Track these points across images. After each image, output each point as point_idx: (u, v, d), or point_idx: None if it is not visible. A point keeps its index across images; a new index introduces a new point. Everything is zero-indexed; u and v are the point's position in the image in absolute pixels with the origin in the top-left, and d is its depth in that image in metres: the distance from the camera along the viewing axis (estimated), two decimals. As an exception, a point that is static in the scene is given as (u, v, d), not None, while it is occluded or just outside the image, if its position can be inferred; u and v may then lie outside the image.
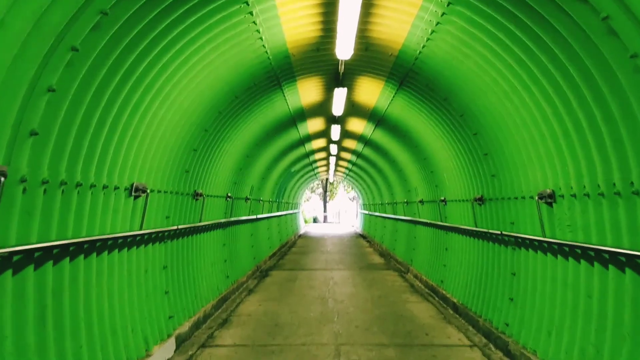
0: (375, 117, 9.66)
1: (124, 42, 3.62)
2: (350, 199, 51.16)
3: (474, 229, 6.76)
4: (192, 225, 6.48)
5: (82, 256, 3.79)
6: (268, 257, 13.55)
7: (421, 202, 10.67)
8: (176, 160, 5.72)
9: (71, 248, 3.65)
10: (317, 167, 21.88)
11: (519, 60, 4.22)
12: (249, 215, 11.27)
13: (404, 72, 6.36)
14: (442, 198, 8.69)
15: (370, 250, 17.04)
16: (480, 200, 6.57)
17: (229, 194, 8.82)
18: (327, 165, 21.50)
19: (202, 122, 5.96)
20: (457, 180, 7.65)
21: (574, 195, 4.14)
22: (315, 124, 11.24)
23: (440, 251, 8.89)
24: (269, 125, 9.15)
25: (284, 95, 7.68)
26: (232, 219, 9.15)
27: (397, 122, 8.99)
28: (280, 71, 6.43)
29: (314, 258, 14.11)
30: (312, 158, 17.69)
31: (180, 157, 5.83)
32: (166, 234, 5.72)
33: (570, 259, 4.28)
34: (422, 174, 10.01)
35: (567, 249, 4.34)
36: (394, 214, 15.49)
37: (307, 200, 50.16)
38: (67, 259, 3.59)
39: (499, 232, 5.74)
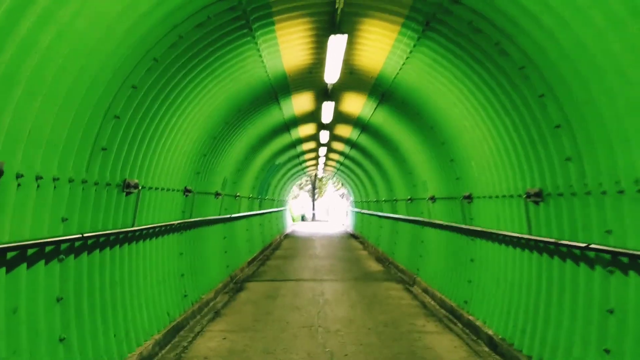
0: (379, 89, 7.60)
1: None
2: (340, 196, 49.20)
3: (526, 236, 4.76)
4: (117, 230, 4.37)
5: None
6: (246, 264, 11.47)
7: (432, 199, 8.67)
8: (79, 127, 3.59)
9: None
10: (305, 160, 19.82)
11: None
12: (220, 214, 9.17)
13: None
14: (467, 194, 6.69)
15: (365, 253, 15.04)
16: (538, 196, 4.57)
17: (189, 187, 6.71)
18: (317, 157, 19.42)
19: (124, 71, 3.84)
20: (494, 170, 5.64)
21: None
22: (302, 102, 9.15)
23: (463, 262, 6.89)
24: (240, 97, 7.04)
25: (258, 48, 5.56)
26: (194, 219, 7.04)
27: (409, 95, 6.95)
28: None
29: (300, 264, 12.05)
30: (299, 149, 15.61)
31: (88, 125, 3.70)
32: (62, 246, 3.61)
33: None
34: (436, 164, 7.99)
35: None
36: (393, 213, 13.50)
37: (295, 197, 48.09)
38: None
39: (582, 245, 3.73)
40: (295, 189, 47.46)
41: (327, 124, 11.28)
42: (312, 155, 18.57)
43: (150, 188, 5.19)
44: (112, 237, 4.42)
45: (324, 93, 8.15)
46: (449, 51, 4.79)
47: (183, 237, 6.74)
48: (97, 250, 4.18)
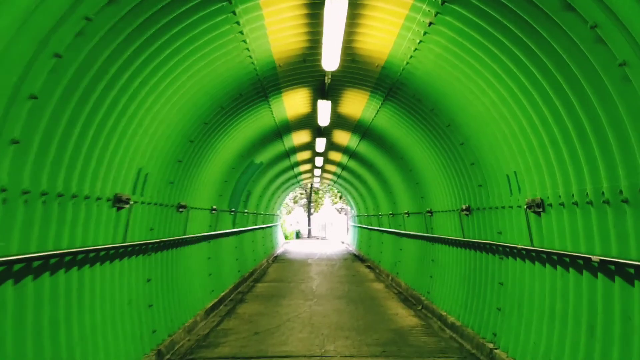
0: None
1: None
2: (337, 210, 44.93)
3: None
4: None
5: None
6: (203, 314, 7.21)
7: (538, 207, 4.49)
8: None
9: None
10: (297, 164, 15.64)
11: None
12: (126, 240, 4.92)
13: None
14: None
15: (381, 287, 10.78)
16: None
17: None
18: (312, 157, 15.05)
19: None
20: None
21: None
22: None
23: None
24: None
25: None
26: (22, 255, 2.82)
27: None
28: None
29: (289, 312, 7.76)
30: (288, 143, 11.41)
31: None
32: None
33: None
34: (555, 135, 3.83)
35: None
36: (423, 232, 9.31)
37: (289, 212, 43.73)
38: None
39: None
40: (289, 203, 43.18)
41: (329, 90, 7.16)
42: (307, 155, 14.38)
43: None
44: None
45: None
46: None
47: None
48: None
